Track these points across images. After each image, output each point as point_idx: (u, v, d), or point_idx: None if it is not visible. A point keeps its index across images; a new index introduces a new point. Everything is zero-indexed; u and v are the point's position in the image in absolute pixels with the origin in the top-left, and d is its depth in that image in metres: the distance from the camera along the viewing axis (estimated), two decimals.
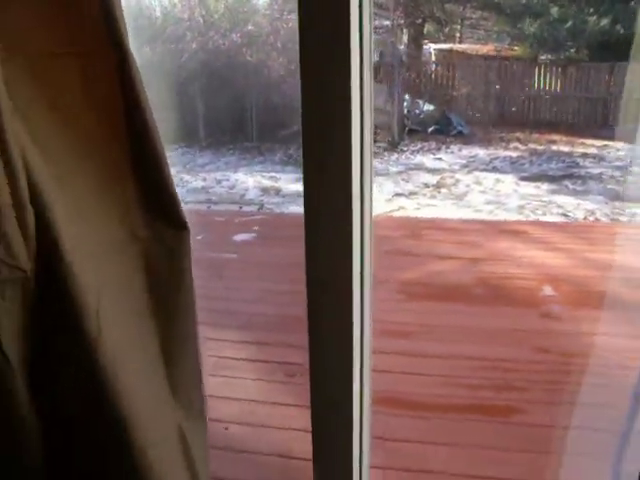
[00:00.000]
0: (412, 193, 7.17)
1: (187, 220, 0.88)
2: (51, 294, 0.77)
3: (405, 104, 9.27)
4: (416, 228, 4.94)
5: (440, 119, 9.13)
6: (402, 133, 9.04)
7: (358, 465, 1.25)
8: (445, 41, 10.24)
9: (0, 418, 0.83)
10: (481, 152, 8.60)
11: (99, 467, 0.85)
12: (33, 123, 0.77)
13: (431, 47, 9.77)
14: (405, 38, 9.51)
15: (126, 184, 0.86)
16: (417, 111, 9.35)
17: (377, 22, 9.40)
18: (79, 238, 0.79)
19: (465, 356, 2.81)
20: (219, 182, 7.63)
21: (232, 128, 8.86)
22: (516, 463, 2.11)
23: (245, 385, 2.67)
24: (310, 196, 0.97)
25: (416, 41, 9.56)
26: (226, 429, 2.37)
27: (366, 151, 0.98)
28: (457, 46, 10.22)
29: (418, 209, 6.56)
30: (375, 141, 8.09)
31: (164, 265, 0.88)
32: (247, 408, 2.49)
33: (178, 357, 0.91)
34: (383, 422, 2.40)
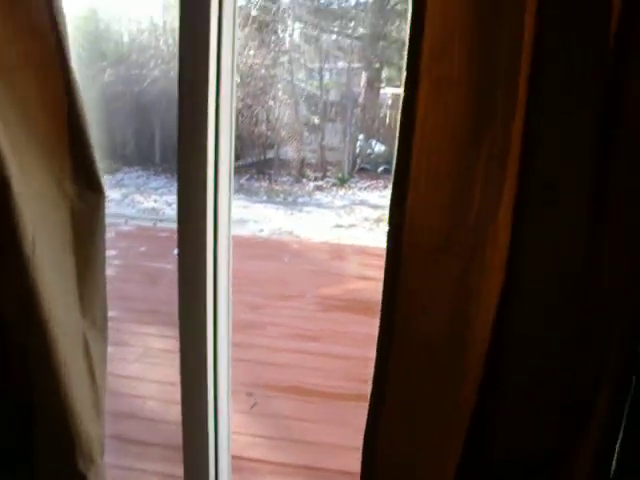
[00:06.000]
0: (352, 225, 7.58)
1: (104, 186, 1.26)
2: (3, 219, 1.14)
3: (358, 143, 9.61)
4: (344, 253, 5.37)
5: (391, 159, 9.43)
6: (352, 171, 9.35)
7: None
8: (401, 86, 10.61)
9: None
10: None
11: (23, 344, 1.21)
12: (4, 114, 1.15)
13: (387, 91, 10.09)
14: (363, 81, 9.85)
15: (64, 160, 1.24)
16: (369, 151, 9.65)
17: (336, 64, 9.88)
18: (27, 189, 1.17)
19: (363, 357, 3.20)
20: (169, 204, 7.86)
21: None
22: None
23: (164, 371, 3.01)
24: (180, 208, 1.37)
25: (373, 84, 9.83)
26: (145, 404, 2.73)
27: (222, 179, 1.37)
28: None
29: (355, 240, 6.98)
30: (325, 177, 8.45)
31: (84, 215, 1.25)
32: (163, 388, 2.85)
33: (88, 282, 1.28)
34: (283, 405, 2.79)
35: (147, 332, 3.51)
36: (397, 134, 0.98)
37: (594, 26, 1.02)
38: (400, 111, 0.97)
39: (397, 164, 1.00)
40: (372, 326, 3.77)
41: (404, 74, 0.97)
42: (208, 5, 1.23)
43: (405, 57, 0.97)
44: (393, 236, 1.04)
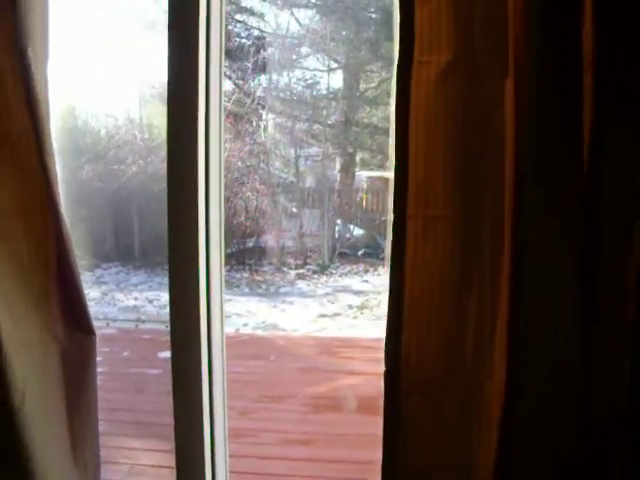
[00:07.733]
0: (336, 314, 7.50)
1: (94, 327, 1.25)
2: None
3: (337, 228, 9.65)
4: (331, 346, 5.30)
5: (370, 242, 9.52)
6: (332, 256, 9.31)
7: None
8: (375, 169, 10.81)
9: None
10: None
11: None
12: None
13: (362, 174, 10.21)
14: (338, 166, 9.99)
15: (53, 303, 1.24)
16: (348, 235, 9.64)
17: (311, 150, 10.07)
18: (18, 339, 1.16)
19: (360, 461, 3.11)
20: (151, 301, 7.74)
21: (166, 249, 9.04)
22: None
23: None
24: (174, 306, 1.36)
25: (348, 169, 9.96)
26: None
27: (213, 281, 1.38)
28: (386, 174, 10.84)
29: (340, 329, 6.91)
30: (306, 264, 8.45)
31: (75, 358, 1.24)
32: None
33: (80, 428, 1.25)
34: None
35: (133, 446, 3.39)
36: (389, 276, 1.00)
37: (569, 154, 1.07)
38: (390, 254, 1.00)
39: (390, 306, 1.02)
40: (365, 425, 3.70)
41: (391, 216, 1.00)
42: (196, 104, 1.28)
43: (391, 199, 1.00)
44: (390, 375, 1.05)
